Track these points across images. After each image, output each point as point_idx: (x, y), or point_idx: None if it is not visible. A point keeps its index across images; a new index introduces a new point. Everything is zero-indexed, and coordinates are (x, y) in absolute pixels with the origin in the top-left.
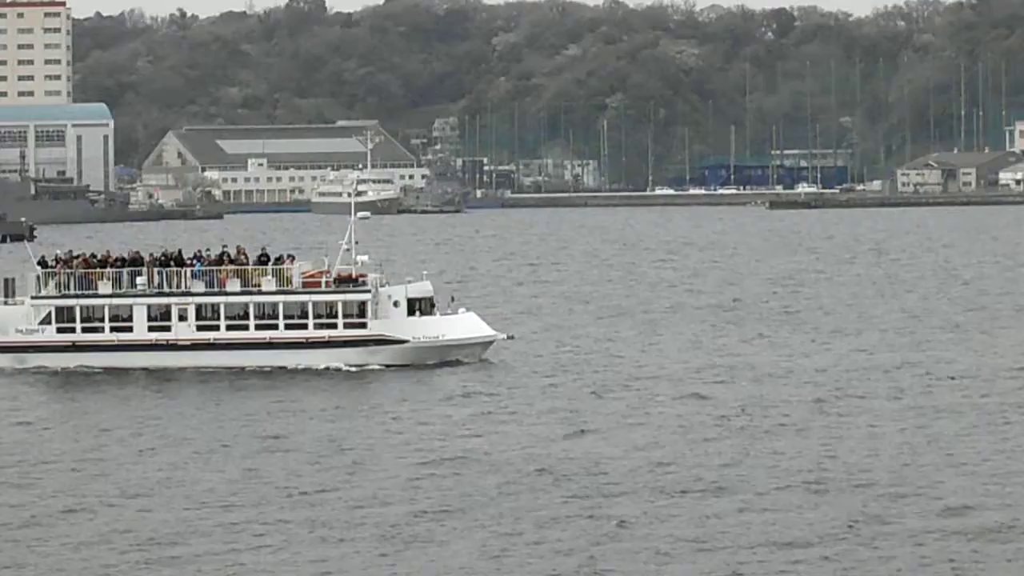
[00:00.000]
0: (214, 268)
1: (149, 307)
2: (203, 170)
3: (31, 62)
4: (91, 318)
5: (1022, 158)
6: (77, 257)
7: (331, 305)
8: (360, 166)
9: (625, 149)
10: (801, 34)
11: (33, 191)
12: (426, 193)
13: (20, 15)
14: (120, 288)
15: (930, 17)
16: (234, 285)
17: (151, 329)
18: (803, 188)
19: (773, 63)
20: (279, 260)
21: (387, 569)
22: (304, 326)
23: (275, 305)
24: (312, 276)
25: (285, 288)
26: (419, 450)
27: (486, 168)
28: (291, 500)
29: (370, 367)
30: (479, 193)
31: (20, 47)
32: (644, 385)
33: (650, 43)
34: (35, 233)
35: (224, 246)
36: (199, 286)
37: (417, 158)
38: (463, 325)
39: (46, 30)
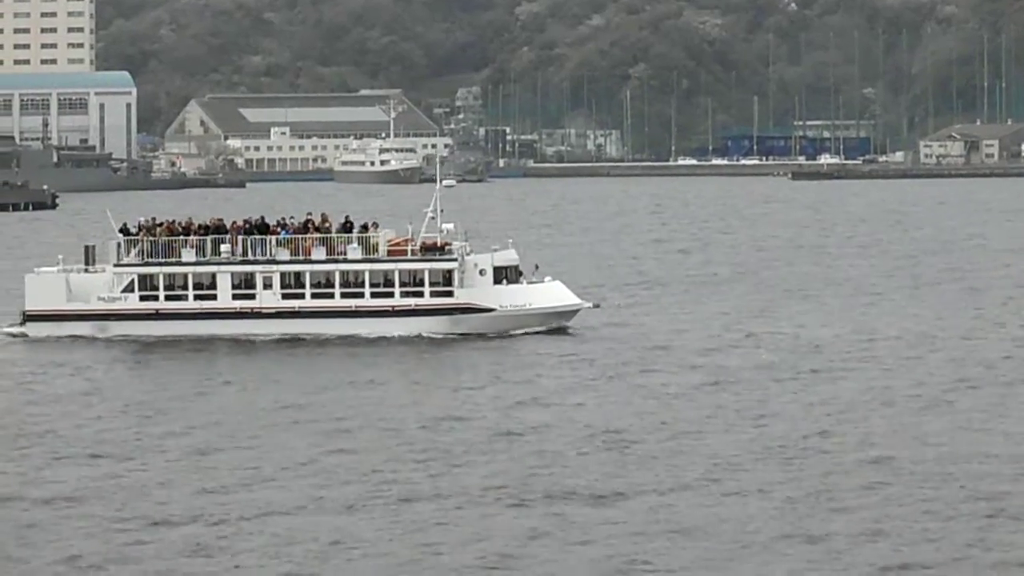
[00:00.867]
0: (299, 236)
1: (233, 275)
2: (226, 138)
3: (54, 30)
4: (174, 286)
5: None
6: (160, 224)
7: (418, 273)
8: (383, 135)
9: (648, 119)
10: (824, 5)
11: (55, 159)
12: (449, 162)
13: None
14: (204, 256)
15: None
16: (319, 253)
17: (235, 297)
18: (825, 159)
19: (796, 34)
20: (364, 228)
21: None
22: (390, 294)
23: (361, 273)
24: (397, 244)
25: (371, 256)
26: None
27: (509, 138)
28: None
29: (455, 335)
30: (501, 163)
31: (43, 15)
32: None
33: (673, 13)
34: (57, 201)
35: (308, 213)
36: (284, 254)
37: (440, 127)
38: (550, 293)
39: None
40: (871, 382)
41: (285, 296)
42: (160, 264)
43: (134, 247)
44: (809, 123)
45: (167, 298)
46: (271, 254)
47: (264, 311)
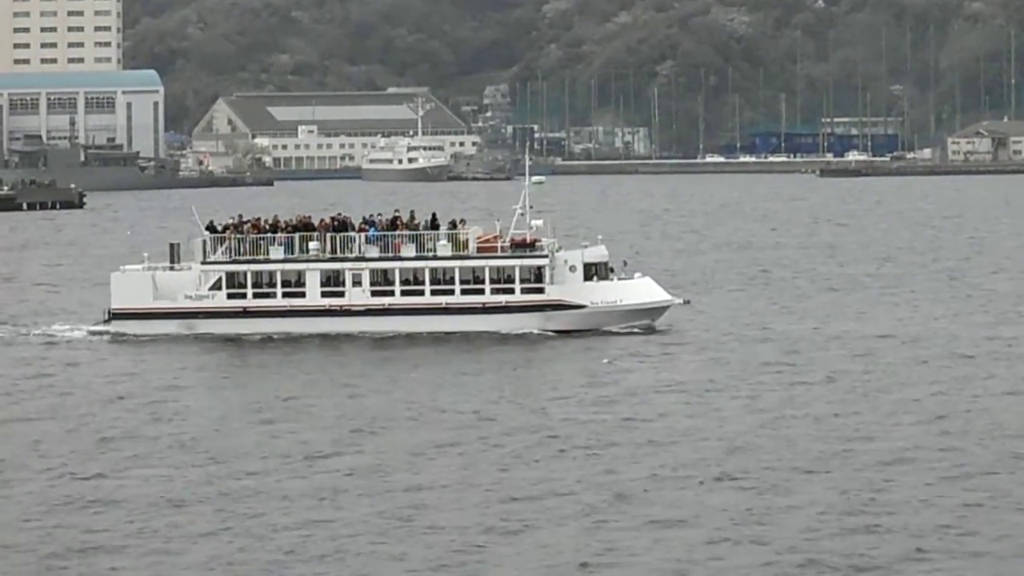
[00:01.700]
0: (388, 233)
1: (322, 272)
2: (253, 137)
3: (81, 29)
4: (262, 283)
5: None
6: (247, 222)
7: (508, 270)
8: (411, 133)
9: (675, 117)
10: (852, 2)
11: (83, 158)
12: (476, 160)
13: None
14: (292, 253)
15: None
16: (409, 250)
17: (324, 295)
18: (853, 156)
19: (824, 31)
20: (452, 225)
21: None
22: (480, 291)
23: (451, 270)
24: (487, 241)
25: (461, 253)
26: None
27: (536, 135)
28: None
29: (544, 332)
30: (529, 160)
31: (70, 14)
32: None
33: (701, 10)
34: (85, 200)
35: (396, 210)
36: (373, 251)
37: (468, 125)
38: (641, 290)
39: None
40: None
41: (374, 293)
42: (248, 261)
43: (221, 245)
44: (837, 120)
45: (255, 296)
46: (360, 251)
47: (353, 308)
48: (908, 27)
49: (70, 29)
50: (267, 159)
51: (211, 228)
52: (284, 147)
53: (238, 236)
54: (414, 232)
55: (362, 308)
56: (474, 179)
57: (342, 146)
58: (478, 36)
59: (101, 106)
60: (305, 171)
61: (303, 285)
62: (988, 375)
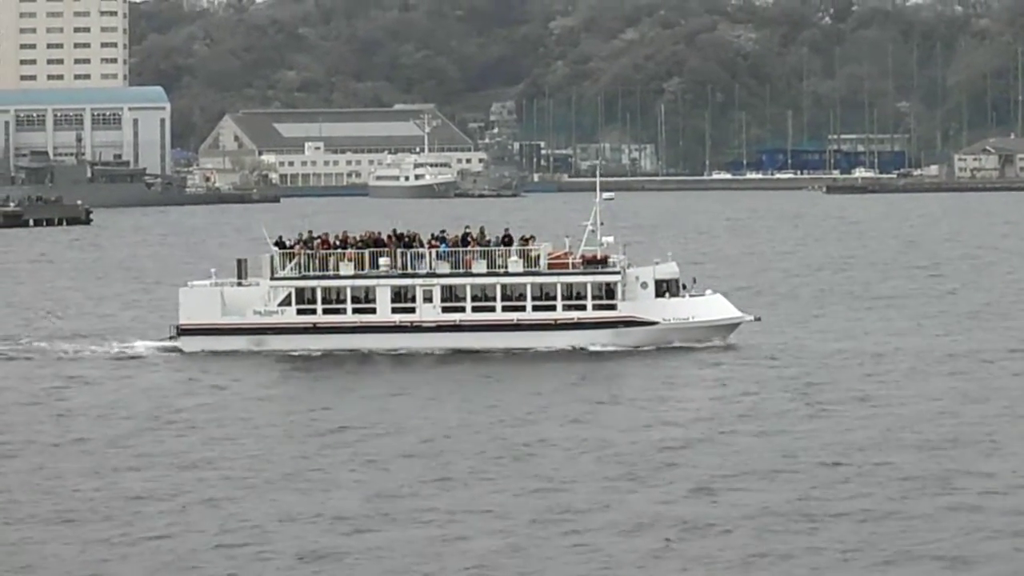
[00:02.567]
0: (459, 249)
1: (392, 288)
2: (260, 153)
3: (87, 45)
4: (332, 299)
5: None
6: (316, 238)
7: (580, 286)
8: (417, 149)
9: (682, 133)
10: (858, 19)
11: (89, 174)
12: (483, 177)
13: None
14: (362, 269)
15: (987, 2)
16: (480, 266)
17: (395, 311)
18: (860, 173)
19: (830, 48)
20: (524, 241)
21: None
22: (552, 307)
23: (522, 286)
24: (558, 257)
25: (532, 269)
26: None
27: (543, 152)
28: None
29: (616, 349)
30: (536, 177)
31: (76, 30)
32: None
33: (707, 27)
34: (91, 216)
35: (467, 226)
36: (444, 267)
37: (474, 142)
38: (712, 306)
39: (103, 13)
40: None
41: (445, 309)
42: (318, 277)
43: (290, 260)
44: (843, 137)
45: (325, 311)
46: (431, 267)
47: (424, 324)
48: (915, 44)
49: (76, 46)
50: (273, 176)
51: (280, 244)
52: (291, 164)
53: (308, 252)
54: (485, 248)
55: (433, 324)
56: (481, 196)
57: (348, 163)
58: (485, 53)
59: (107, 122)
60: (311, 188)
61: (373, 301)
62: None
